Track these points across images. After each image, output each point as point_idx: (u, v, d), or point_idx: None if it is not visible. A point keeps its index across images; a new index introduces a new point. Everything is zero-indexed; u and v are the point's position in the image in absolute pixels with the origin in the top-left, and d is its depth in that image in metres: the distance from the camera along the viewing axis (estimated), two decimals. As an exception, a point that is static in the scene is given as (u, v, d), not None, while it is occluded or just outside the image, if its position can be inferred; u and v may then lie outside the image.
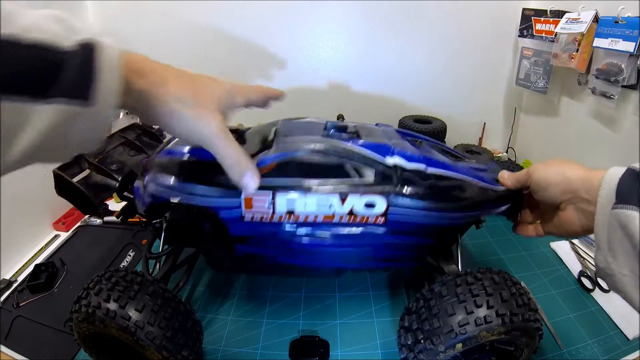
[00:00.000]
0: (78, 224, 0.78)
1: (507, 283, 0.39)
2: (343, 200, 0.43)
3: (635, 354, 0.50)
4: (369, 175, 0.44)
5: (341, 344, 0.51)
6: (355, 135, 0.48)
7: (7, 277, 0.64)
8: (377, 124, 0.58)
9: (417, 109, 0.96)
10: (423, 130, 0.85)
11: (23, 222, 0.70)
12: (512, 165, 0.72)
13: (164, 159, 0.46)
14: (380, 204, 0.43)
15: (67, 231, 0.76)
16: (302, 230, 0.45)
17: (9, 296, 0.60)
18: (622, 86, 0.60)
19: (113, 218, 0.57)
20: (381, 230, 0.45)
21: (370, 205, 0.43)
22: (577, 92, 0.73)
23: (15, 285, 0.62)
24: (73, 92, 0.24)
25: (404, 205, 0.44)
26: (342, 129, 0.48)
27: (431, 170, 0.44)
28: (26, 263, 0.68)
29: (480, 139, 1.00)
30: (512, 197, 0.48)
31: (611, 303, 0.57)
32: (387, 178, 0.43)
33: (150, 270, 0.53)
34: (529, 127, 0.94)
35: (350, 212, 0.43)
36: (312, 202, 0.43)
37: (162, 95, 0.31)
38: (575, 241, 0.71)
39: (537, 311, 0.39)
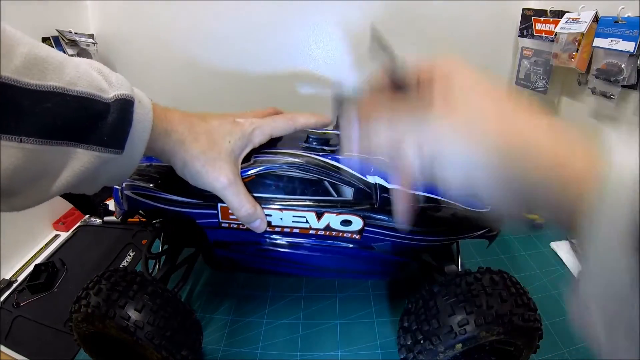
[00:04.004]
0: (78, 224, 0.78)
1: (507, 283, 0.39)
2: (319, 217, 0.43)
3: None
4: (347, 192, 0.44)
5: (341, 344, 0.51)
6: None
7: (7, 277, 0.64)
8: None
9: (417, 109, 0.96)
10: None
11: (23, 222, 0.70)
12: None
13: (143, 166, 0.46)
14: (357, 222, 0.44)
15: (67, 231, 0.76)
16: (278, 240, 0.46)
17: (9, 296, 0.60)
18: (622, 86, 0.59)
19: (113, 218, 0.57)
20: (356, 245, 0.46)
21: (346, 223, 0.44)
22: (577, 92, 0.73)
23: (15, 285, 0.62)
24: (109, 142, 0.28)
25: (380, 225, 0.44)
26: (324, 142, 0.47)
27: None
28: (26, 263, 0.68)
29: (480, 139, 1.00)
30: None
31: (611, 303, 0.57)
32: (366, 196, 0.44)
33: (150, 270, 0.53)
34: (529, 127, 0.94)
35: (326, 228, 0.44)
36: (287, 217, 0.43)
37: (179, 154, 0.36)
38: (576, 241, 0.71)
39: (537, 311, 0.39)
